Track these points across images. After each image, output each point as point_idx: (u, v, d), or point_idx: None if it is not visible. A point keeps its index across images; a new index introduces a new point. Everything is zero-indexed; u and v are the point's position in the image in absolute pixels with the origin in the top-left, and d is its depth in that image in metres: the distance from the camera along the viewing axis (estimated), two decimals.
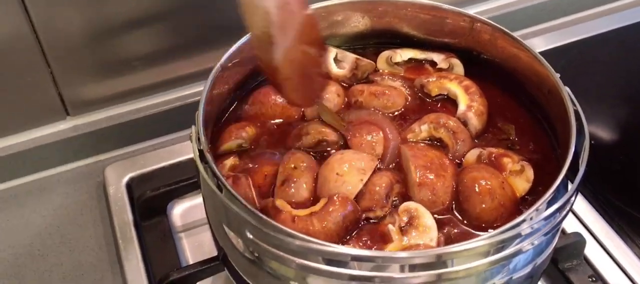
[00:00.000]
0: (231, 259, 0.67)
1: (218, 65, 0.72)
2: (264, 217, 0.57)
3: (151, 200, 0.90)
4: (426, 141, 0.74)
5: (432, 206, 0.67)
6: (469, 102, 0.76)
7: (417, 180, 0.67)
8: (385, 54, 0.85)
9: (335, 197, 0.65)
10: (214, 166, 0.61)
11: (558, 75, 0.70)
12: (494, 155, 0.70)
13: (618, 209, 0.90)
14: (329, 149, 0.74)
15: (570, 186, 0.64)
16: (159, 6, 0.93)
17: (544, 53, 1.12)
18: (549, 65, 0.71)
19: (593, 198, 0.91)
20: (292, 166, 0.69)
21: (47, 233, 0.91)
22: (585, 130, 0.65)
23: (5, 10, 0.84)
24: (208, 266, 0.78)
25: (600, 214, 0.88)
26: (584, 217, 0.88)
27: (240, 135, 0.74)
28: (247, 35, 0.75)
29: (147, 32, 0.95)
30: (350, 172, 0.67)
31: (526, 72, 0.77)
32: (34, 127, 0.96)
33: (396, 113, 0.79)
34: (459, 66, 0.82)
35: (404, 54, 0.84)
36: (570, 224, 0.87)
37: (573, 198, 0.61)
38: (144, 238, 0.88)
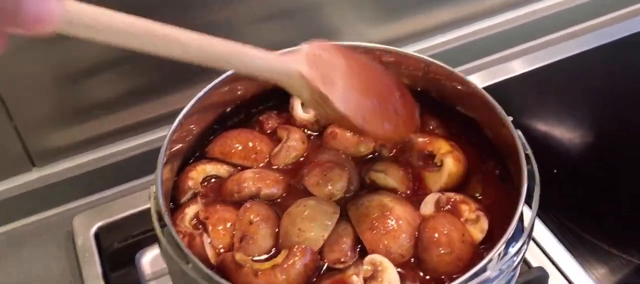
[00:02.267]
0: None
1: (176, 122, 0.73)
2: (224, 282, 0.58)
3: (119, 251, 0.90)
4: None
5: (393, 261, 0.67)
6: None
7: (367, 246, 0.68)
8: None
9: (295, 249, 0.65)
10: (174, 233, 0.62)
11: (510, 118, 0.72)
12: (452, 200, 0.71)
13: (580, 237, 0.91)
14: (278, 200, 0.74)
15: (526, 224, 0.65)
16: (119, 52, 0.92)
17: (508, 80, 1.16)
18: (501, 109, 0.72)
19: (557, 228, 0.92)
20: (248, 221, 0.69)
21: None
22: (536, 173, 0.67)
23: None
24: None
25: (564, 244, 0.90)
26: (547, 248, 0.90)
27: (187, 186, 0.74)
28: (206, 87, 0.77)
29: (110, 76, 0.95)
30: (312, 228, 0.68)
31: (481, 115, 0.78)
32: (0, 180, 0.96)
33: (369, 156, 0.80)
34: None
35: None
36: (534, 256, 0.88)
37: (526, 244, 0.63)
38: None
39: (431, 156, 0.76)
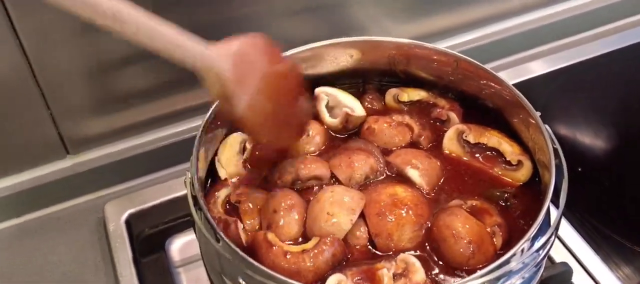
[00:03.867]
0: None
1: (209, 113, 0.74)
2: (256, 264, 0.60)
3: (150, 237, 0.92)
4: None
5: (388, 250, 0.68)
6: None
7: (371, 230, 0.69)
8: (392, 91, 0.87)
9: (326, 239, 0.67)
10: (209, 215, 0.64)
11: (539, 113, 0.73)
12: (474, 205, 0.72)
13: (605, 235, 0.92)
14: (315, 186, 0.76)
15: (552, 218, 0.66)
16: None
17: (539, 77, 1.17)
18: (529, 105, 0.73)
19: (580, 225, 0.93)
20: (272, 210, 0.71)
21: (48, 271, 0.93)
22: (564, 168, 0.68)
23: (2, 51, 0.86)
24: None
25: (587, 242, 0.90)
26: (571, 244, 0.90)
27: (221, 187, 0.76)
28: None
29: (142, 68, 0.97)
30: (340, 214, 0.69)
31: (510, 110, 0.79)
32: (35, 167, 0.99)
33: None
34: (454, 120, 0.83)
35: (412, 95, 0.86)
36: (558, 253, 0.89)
37: (554, 236, 0.64)
38: (143, 274, 0.90)
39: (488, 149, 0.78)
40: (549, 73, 1.19)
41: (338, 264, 0.67)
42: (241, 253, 0.60)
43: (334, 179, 0.76)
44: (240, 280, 0.60)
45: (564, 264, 0.84)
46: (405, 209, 0.70)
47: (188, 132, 1.04)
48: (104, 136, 1.01)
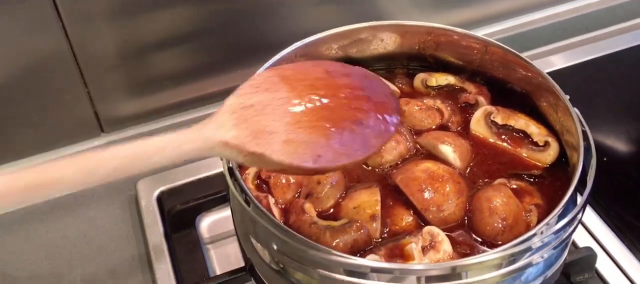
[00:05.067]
0: (257, 270, 0.72)
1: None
2: (290, 230, 0.62)
3: (180, 213, 0.95)
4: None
5: (442, 223, 0.70)
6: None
7: (420, 207, 0.71)
8: (420, 75, 0.89)
9: (355, 225, 0.68)
10: (242, 182, 0.66)
11: (567, 97, 0.74)
12: (516, 187, 0.74)
13: (629, 224, 0.92)
14: None
15: (579, 201, 0.67)
16: (188, 27, 0.98)
17: (561, 71, 1.18)
18: (559, 88, 0.75)
19: (605, 213, 0.94)
20: (316, 181, 0.73)
21: (83, 244, 0.96)
22: (593, 150, 0.69)
23: (46, 32, 0.89)
24: (235, 276, 0.82)
25: (612, 229, 0.91)
26: (595, 231, 0.91)
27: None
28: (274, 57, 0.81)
29: (177, 52, 1.00)
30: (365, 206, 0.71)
31: (538, 94, 0.80)
32: (71, 144, 1.02)
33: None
34: (483, 103, 0.84)
35: (439, 79, 0.88)
36: (582, 239, 0.90)
37: (581, 214, 0.65)
38: (174, 249, 0.92)
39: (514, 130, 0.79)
40: (573, 66, 1.20)
41: (357, 250, 0.68)
42: (271, 216, 0.62)
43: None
44: (273, 244, 0.62)
45: (588, 248, 0.85)
46: (443, 180, 0.72)
47: None
48: (137, 116, 1.05)
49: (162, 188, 1.01)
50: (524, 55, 0.80)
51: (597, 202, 0.95)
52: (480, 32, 1.17)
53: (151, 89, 1.03)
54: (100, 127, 1.03)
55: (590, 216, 0.94)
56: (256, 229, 0.65)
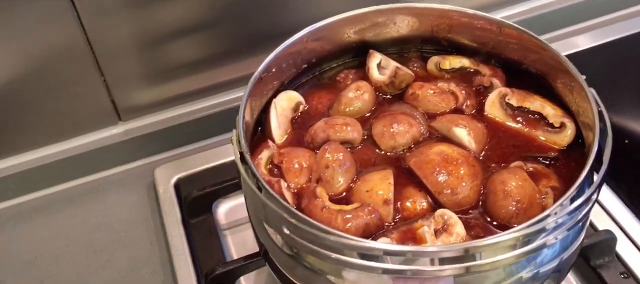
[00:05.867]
0: (271, 255, 0.72)
1: (256, 73, 0.77)
2: (300, 214, 0.62)
3: (197, 199, 0.95)
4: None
5: (456, 206, 0.70)
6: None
7: (433, 190, 0.70)
8: (434, 59, 0.88)
9: (367, 209, 0.68)
10: (253, 168, 0.66)
11: (583, 77, 0.72)
12: (532, 170, 0.73)
13: None
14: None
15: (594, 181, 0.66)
16: (203, 16, 0.99)
17: (581, 52, 1.16)
18: (574, 68, 0.73)
19: (627, 196, 0.92)
20: (325, 166, 0.73)
21: (102, 231, 0.98)
22: (608, 129, 0.67)
23: (61, 21, 0.90)
24: (251, 261, 0.83)
25: (632, 212, 0.90)
26: (616, 215, 0.90)
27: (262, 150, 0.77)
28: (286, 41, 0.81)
29: (192, 40, 1.01)
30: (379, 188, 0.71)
31: (554, 75, 0.79)
32: (89, 132, 1.03)
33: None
34: (498, 86, 0.83)
35: (453, 62, 0.87)
36: (601, 221, 0.89)
37: (595, 194, 0.63)
38: (191, 234, 0.93)
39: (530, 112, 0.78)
40: (595, 47, 1.17)
41: (369, 234, 0.67)
42: (282, 201, 0.63)
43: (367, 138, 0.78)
44: (284, 229, 0.62)
45: (608, 231, 0.84)
46: (457, 163, 0.71)
47: (233, 102, 1.07)
48: (154, 104, 1.05)
49: (180, 175, 1.02)
50: (543, 37, 0.78)
51: (619, 185, 0.93)
52: (498, 15, 1.15)
53: (167, 78, 1.03)
54: (118, 115, 1.04)
55: (611, 199, 0.92)
56: (267, 214, 0.65)
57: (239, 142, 0.69)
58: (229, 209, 0.99)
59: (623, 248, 0.86)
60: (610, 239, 0.83)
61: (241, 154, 0.69)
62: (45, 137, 1.01)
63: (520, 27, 0.80)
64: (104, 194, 1.03)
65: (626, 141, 0.99)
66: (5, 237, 0.98)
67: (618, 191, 0.92)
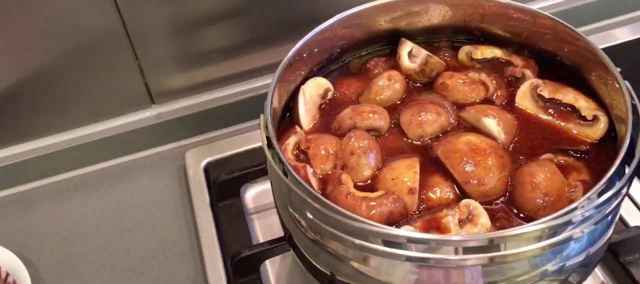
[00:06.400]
0: (296, 240, 0.73)
1: (285, 59, 0.77)
2: (324, 199, 0.62)
3: (226, 183, 0.97)
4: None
5: (482, 196, 0.69)
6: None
7: (460, 179, 0.70)
8: (465, 48, 0.87)
9: (391, 197, 0.68)
10: (280, 152, 0.67)
11: (618, 69, 0.71)
12: (563, 162, 0.72)
13: None
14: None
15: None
16: (235, 2, 1.00)
17: (620, 45, 1.13)
18: (609, 60, 0.72)
19: None
20: (350, 152, 0.73)
21: (133, 211, 1.00)
22: None
23: (97, 5, 0.92)
24: (276, 245, 0.84)
25: None
26: None
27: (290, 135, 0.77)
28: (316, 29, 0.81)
29: (224, 27, 1.02)
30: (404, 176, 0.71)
31: (588, 67, 0.77)
32: (123, 114, 1.05)
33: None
34: (530, 77, 0.82)
35: (485, 52, 0.86)
36: (634, 218, 0.87)
37: (625, 188, 0.62)
38: (219, 217, 0.95)
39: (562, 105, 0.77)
40: (635, 40, 1.14)
41: (393, 222, 0.67)
42: (307, 186, 0.63)
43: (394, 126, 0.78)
44: (308, 213, 0.63)
45: (639, 227, 0.82)
46: (485, 154, 0.70)
47: (264, 88, 1.08)
48: (187, 89, 1.07)
49: (210, 159, 1.03)
50: (580, 29, 0.77)
51: None
52: (535, 6, 1.13)
53: (199, 63, 1.05)
54: (151, 99, 1.06)
55: None
56: (292, 198, 0.66)
57: (266, 127, 0.70)
58: (257, 193, 1.00)
59: None
60: None
61: (268, 138, 0.69)
62: (81, 119, 1.04)
63: (554, 18, 0.79)
64: (136, 176, 1.05)
65: None
66: (42, 214, 1.01)
67: None
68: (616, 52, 1.12)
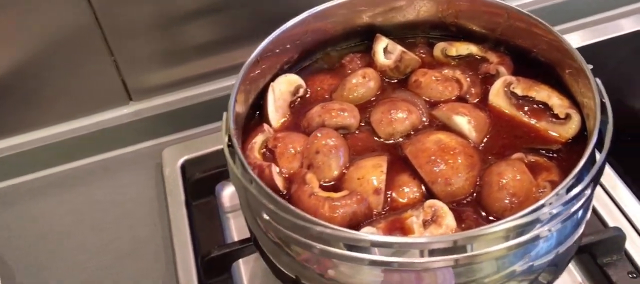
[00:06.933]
0: (259, 241, 0.71)
1: (252, 56, 0.76)
2: (281, 200, 0.61)
3: (201, 181, 0.95)
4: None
5: (450, 197, 0.67)
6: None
7: (427, 179, 0.68)
8: (440, 45, 0.85)
9: (355, 197, 0.66)
10: (238, 150, 0.66)
11: (590, 66, 0.69)
12: (534, 161, 0.70)
13: None
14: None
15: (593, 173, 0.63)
16: (211, 2, 0.98)
17: (603, 42, 1.10)
18: (580, 56, 0.70)
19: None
20: (315, 151, 0.71)
21: (109, 209, 0.99)
22: (610, 120, 0.64)
23: (71, 3, 0.91)
24: (246, 245, 0.82)
25: None
26: (630, 212, 0.86)
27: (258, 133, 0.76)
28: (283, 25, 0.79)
29: (202, 23, 1.00)
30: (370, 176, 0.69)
31: (563, 64, 0.75)
32: (100, 111, 1.04)
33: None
34: (504, 74, 0.80)
35: (460, 49, 0.84)
36: (614, 218, 0.85)
37: (590, 189, 0.60)
38: (194, 216, 0.93)
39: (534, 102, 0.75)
40: (616, 38, 1.12)
41: (356, 223, 0.66)
42: (263, 186, 0.62)
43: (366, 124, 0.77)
44: (264, 215, 0.62)
45: (617, 229, 0.80)
46: (454, 153, 0.69)
47: None
48: (165, 86, 1.06)
49: (187, 157, 1.02)
50: (561, 27, 0.75)
51: (635, 181, 0.89)
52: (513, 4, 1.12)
53: (177, 59, 1.03)
54: (129, 95, 1.04)
55: (626, 196, 0.88)
56: (249, 198, 0.65)
57: (228, 126, 0.69)
58: (234, 191, 0.98)
59: (634, 246, 0.82)
60: (619, 236, 0.79)
61: (229, 137, 0.68)
62: (57, 116, 1.03)
63: (528, 13, 0.77)
64: (113, 174, 1.04)
65: None
66: (18, 212, 1.01)
67: (633, 188, 0.88)
68: (601, 49, 1.09)
